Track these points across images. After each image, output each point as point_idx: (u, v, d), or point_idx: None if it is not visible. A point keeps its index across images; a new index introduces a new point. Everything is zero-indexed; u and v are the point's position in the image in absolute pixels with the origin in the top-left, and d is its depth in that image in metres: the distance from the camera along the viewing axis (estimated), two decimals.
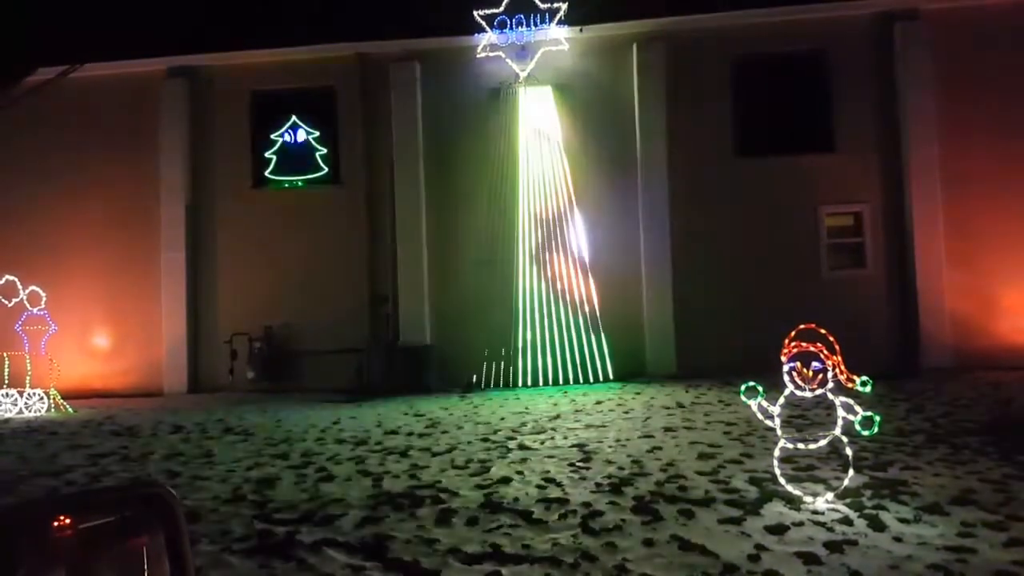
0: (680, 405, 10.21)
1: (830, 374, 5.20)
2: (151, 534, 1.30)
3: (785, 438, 5.42)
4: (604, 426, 8.76)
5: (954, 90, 13.57)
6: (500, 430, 8.72)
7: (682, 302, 13.96)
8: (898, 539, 4.38)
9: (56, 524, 1.27)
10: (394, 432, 8.87)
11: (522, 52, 14.43)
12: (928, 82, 13.63)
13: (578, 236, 14.24)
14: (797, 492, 5.29)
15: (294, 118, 15.25)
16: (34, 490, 6.45)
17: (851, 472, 5.32)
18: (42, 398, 12.40)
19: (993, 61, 13.51)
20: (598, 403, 10.82)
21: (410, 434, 8.68)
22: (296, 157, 15.29)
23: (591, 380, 13.44)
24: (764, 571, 3.95)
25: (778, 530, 4.60)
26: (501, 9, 14.39)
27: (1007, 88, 13.48)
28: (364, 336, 14.56)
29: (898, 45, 13.85)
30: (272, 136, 15.28)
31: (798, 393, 5.26)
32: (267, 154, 15.30)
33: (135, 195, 15.21)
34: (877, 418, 5.22)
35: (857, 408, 5.24)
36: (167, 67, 15.31)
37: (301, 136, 15.28)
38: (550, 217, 14.30)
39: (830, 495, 5.22)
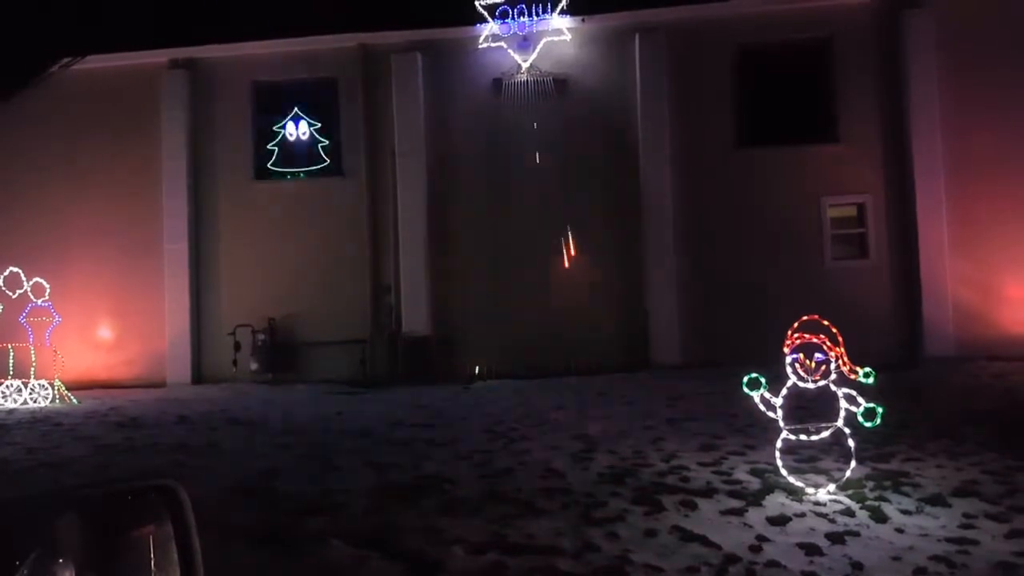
0: (683, 395, 10.21)
1: (833, 365, 5.20)
2: (158, 524, 1.31)
3: (787, 429, 5.43)
4: (607, 417, 8.77)
5: (958, 79, 13.49)
6: (503, 420, 8.74)
7: (685, 293, 13.96)
8: (900, 530, 4.39)
9: (63, 514, 1.28)
10: (398, 423, 8.89)
11: (524, 42, 14.37)
12: (932, 71, 13.56)
13: (581, 226, 14.21)
14: (799, 483, 5.31)
15: (296, 109, 15.22)
16: (40, 481, 6.48)
17: (853, 463, 5.33)
18: (46, 389, 12.44)
19: (998, 51, 13.42)
20: (601, 393, 10.84)
21: (413, 425, 8.70)
22: (298, 148, 15.27)
23: (594, 370, 13.41)
24: (766, 562, 3.96)
25: (780, 521, 4.61)
26: None
27: (1012, 78, 13.39)
28: (367, 327, 14.59)
29: (903, 34, 13.77)
30: (274, 127, 15.26)
31: (801, 384, 5.27)
32: (269, 145, 15.28)
33: (137, 187, 15.20)
34: (879, 409, 5.23)
35: (859, 399, 5.25)
36: (168, 59, 15.27)
37: (303, 127, 15.24)
38: (553, 207, 14.26)
39: (832, 486, 5.23)
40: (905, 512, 4.72)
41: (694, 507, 4.95)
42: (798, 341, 5.29)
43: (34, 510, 1.30)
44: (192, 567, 1.29)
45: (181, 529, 1.30)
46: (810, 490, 5.21)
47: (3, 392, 12.31)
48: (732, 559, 4.00)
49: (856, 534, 4.34)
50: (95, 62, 14.13)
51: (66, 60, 12.54)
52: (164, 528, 1.30)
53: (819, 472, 5.67)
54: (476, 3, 14.31)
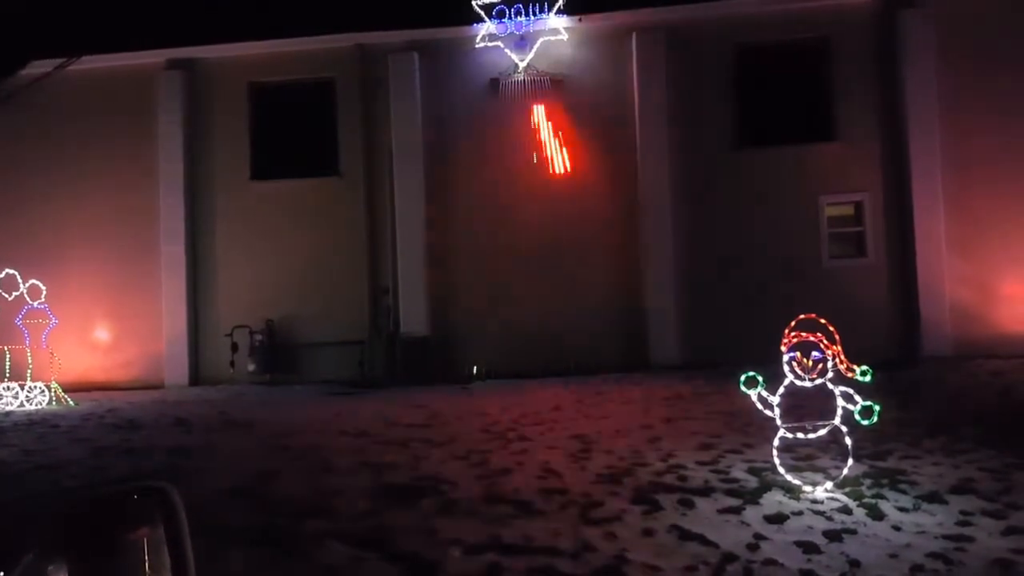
0: (680, 395, 10.22)
1: (830, 363, 5.20)
2: (151, 527, 1.30)
3: (785, 428, 5.43)
4: (604, 417, 8.77)
5: (956, 78, 13.52)
6: (500, 421, 8.74)
7: (684, 292, 13.97)
8: (897, 528, 4.40)
9: (57, 516, 1.28)
10: (395, 423, 8.88)
11: (521, 42, 14.37)
12: (930, 70, 13.58)
13: (579, 226, 14.21)
14: (796, 481, 5.31)
15: (293, 110, 15.21)
16: (36, 483, 6.47)
17: (850, 461, 5.33)
18: (43, 391, 12.41)
19: (995, 50, 13.45)
20: (598, 393, 10.84)
21: (411, 425, 8.70)
22: (295, 148, 15.26)
23: (593, 370, 13.43)
24: (763, 560, 3.96)
25: (777, 519, 4.62)
26: None
27: (1010, 77, 13.42)
28: (365, 328, 14.58)
29: (900, 34, 13.79)
30: (271, 128, 15.25)
31: (798, 383, 5.27)
32: (266, 146, 15.26)
33: (134, 188, 15.18)
34: (876, 407, 5.23)
35: (857, 397, 5.25)
36: (165, 59, 15.25)
37: (300, 127, 15.23)
38: (550, 206, 14.26)
39: (829, 484, 5.23)
40: (902, 510, 4.72)
41: (692, 506, 4.96)
42: (795, 340, 5.29)
43: (29, 512, 1.29)
44: (185, 570, 1.29)
45: (174, 532, 1.30)
46: (807, 488, 5.22)
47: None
48: (730, 557, 4.00)
49: (853, 532, 4.34)
50: (91, 63, 14.13)
51: (62, 61, 12.50)
52: (157, 531, 1.30)
53: (816, 470, 5.67)
54: (473, 3, 14.31)
